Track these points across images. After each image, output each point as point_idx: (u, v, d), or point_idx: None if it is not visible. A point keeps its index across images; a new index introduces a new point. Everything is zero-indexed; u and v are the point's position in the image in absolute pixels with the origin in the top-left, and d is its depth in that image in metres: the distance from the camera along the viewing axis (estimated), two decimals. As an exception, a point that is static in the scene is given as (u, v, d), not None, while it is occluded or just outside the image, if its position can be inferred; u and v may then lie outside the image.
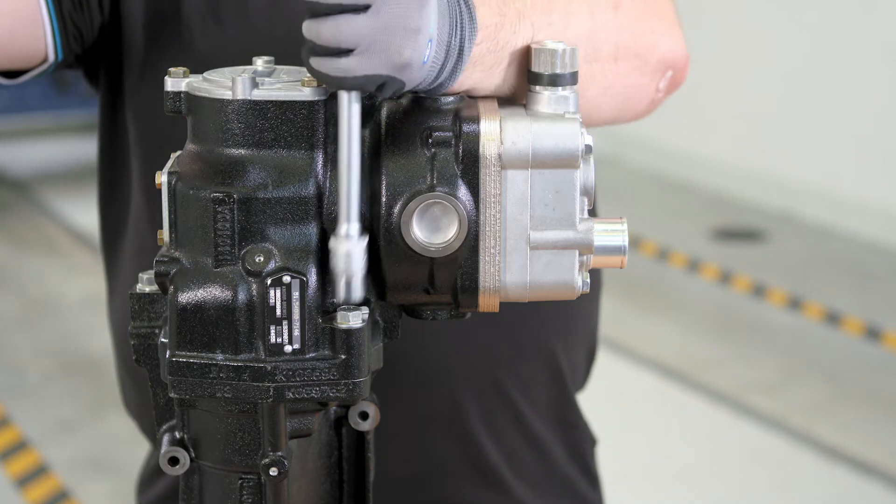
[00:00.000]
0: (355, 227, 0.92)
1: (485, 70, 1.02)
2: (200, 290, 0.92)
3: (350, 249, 0.91)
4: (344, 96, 0.91)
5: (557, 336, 1.43)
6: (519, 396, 1.41)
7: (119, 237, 1.44)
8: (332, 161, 0.94)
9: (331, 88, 0.92)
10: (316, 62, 0.91)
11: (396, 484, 1.36)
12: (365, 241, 0.92)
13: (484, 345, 1.38)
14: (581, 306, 1.46)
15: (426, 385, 1.37)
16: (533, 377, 1.42)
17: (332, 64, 0.90)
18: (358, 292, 0.92)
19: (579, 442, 1.50)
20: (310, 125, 0.93)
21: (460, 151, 0.94)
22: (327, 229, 0.94)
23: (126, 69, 1.36)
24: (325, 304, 0.94)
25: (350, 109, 0.91)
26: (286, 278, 0.92)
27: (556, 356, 1.43)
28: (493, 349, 1.39)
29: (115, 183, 1.44)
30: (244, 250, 0.93)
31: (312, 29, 0.90)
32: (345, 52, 0.90)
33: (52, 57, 1.30)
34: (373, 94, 0.97)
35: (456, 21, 0.96)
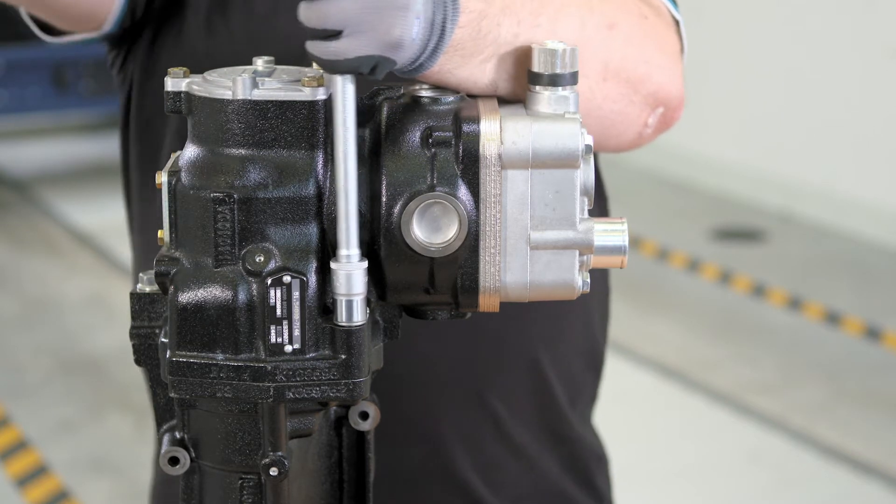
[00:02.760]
0: (355, 251, 0.92)
1: (464, 57, 1.01)
2: (200, 290, 0.93)
3: (351, 272, 0.92)
4: (337, 81, 0.91)
5: (543, 345, 1.40)
6: (499, 405, 1.38)
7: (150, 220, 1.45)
8: (332, 161, 0.94)
9: (327, 72, 0.93)
10: (311, 45, 0.92)
11: None
12: (365, 263, 0.93)
13: (462, 352, 1.36)
14: (574, 316, 1.43)
15: (397, 390, 1.34)
16: (514, 386, 1.39)
17: (325, 47, 0.91)
18: (359, 314, 0.93)
19: (577, 455, 1.46)
20: (310, 125, 0.93)
21: (460, 151, 0.94)
22: (327, 229, 0.94)
23: (137, 64, 1.37)
24: (325, 304, 0.94)
25: (344, 94, 0.91)
26: (286, 278, 0.92)
27: (541, 365, 1.40)
28: (472, 356, 1.36)
29: (147, 179, 1.45)
30: (244, 250, 0.93)
31: (303, 12, 0.92)
32: (335, 34, 0.91)
33: (107, 27, 1.33)
34: (374, 93, 0.98)
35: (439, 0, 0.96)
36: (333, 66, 0.91)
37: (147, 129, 1.38)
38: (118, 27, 1.35)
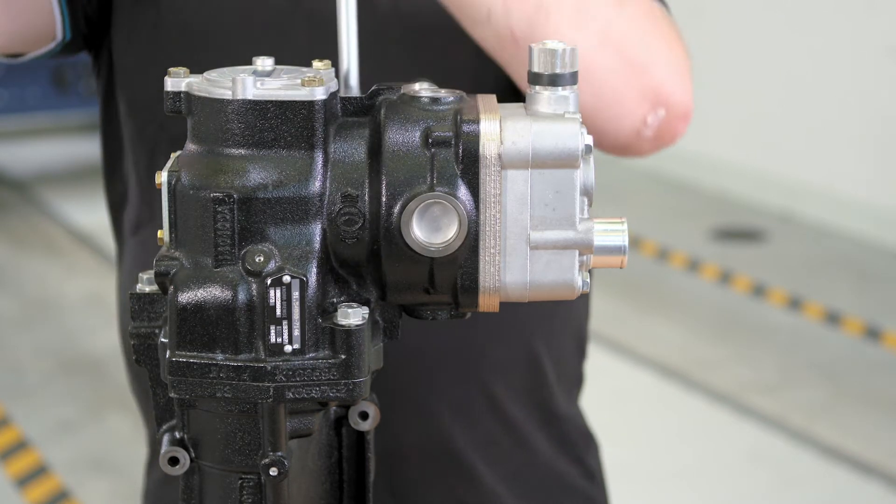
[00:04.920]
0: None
1: None
2: (200, 290, 0.92)
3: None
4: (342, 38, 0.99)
5: (536, 323, 1.41)
6: (495, 382, 1.39)
7: (120, 213, 1.46)
8: (331, 161, 0.95)
9: None
10: None
11: None
12: None
13: (457, 327, 1.36)
14: None
15: (391, 364, 1.36)
16: (509, 363, 1.40)
17: None
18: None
19: (568, 434, 1.47)
20: (310, 125, 0.93)
21: (460, 151, 0.94)
22: (327, 229, 0.94)
23: (115, 46, 1.37)
24: (325, 304, 0.94)
25: None
26: (286, 278, 0.92)
27: (534, 343, 1.41)
28: (467, 332, 1.37)
29: (115, 160, 1.45)
30: (244, 250, 0.93)
31: None
32: None
33: (59, 36, 1.32)
34: (373, 93, 0.98)
35: None
36: None
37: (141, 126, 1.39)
38: (72, 34, 1.33)
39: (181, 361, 0.93)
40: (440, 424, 1.39)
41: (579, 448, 1.49)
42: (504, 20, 1.12)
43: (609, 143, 1.25)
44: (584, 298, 1.51)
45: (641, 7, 1.19)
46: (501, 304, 1.37)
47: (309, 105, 0.93)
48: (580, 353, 1.52)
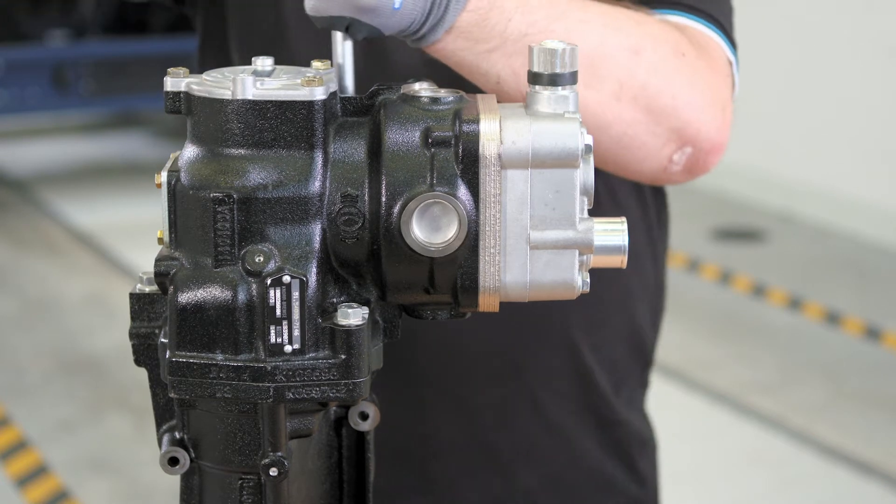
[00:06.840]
0: None
1: (468, 41, 1.08)
2: (200, 291, 0.92)
3: None
4: (336, 37, 1.06)
5: (582, 330, 1.42)
6: (536, 384, 1.41)
7: None
8: (331, 161, 0.95)
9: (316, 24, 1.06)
10: (306, 1, 1.05)
11: (387, 455, 1.35)
12: None
13: (498, 329, 1.37)
14: (613, 304, 1.44)
15: (432, 359, 1.36)
16: (552, 367, 1.41)
17: (310, 2, 1.04)
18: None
19: (620, 438, 1.48)
20: (310, 125, 0.93)
21: (460, 151, 0.94)
22: (327, 229, 0.94)
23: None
24: (325, 304, 0.94)
25: (344, 50, 1.06)
26: (286, 278, 0.92)
27: (580, 350, 1.42)
28: (508, 334, 1.38)
29: None
30: (244, 250, 0.93)
31: None
32: None
33: None
34: (373, 93, 0.98)
35: None
36: (313, 20, 1.05)
37: None
38: None
39: (181, 362, 0.93)
40: (477, 420, 1.39)
41: (632, 453, 1.49)
42: (514, 85, 1.11)
43: (633, 177, 1.25)
44: (653, 313, 1.51)
45: (663, 49, 1.17)
46: (545, 308, 1.38)
47: (309, 105, 0.93)
48: (640, 360, 1.52)
